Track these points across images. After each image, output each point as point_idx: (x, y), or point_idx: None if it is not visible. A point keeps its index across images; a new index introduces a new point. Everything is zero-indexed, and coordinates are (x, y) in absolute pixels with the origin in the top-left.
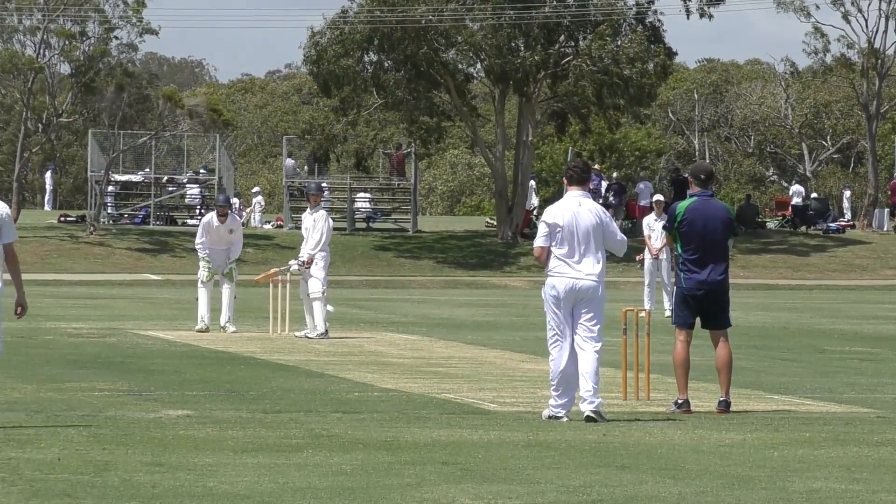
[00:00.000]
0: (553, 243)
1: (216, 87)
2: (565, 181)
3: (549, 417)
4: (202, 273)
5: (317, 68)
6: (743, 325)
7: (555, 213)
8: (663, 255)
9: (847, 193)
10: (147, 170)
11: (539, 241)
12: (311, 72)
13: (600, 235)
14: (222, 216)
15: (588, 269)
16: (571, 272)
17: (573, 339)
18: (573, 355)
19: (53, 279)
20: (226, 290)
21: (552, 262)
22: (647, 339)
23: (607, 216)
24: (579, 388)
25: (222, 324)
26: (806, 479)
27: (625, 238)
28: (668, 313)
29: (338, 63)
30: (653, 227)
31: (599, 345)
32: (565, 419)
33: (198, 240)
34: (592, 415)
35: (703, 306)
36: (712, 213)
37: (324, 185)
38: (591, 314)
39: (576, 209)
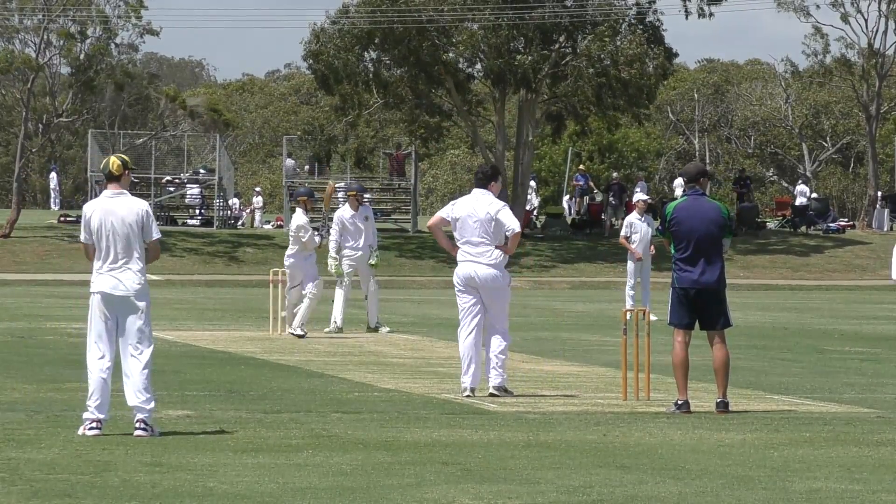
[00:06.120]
0: (455, 233)
1: (216, 87)
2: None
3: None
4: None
5: (317, 62)
6: (743, 325)
7: (455, 206)
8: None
9: None
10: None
11: (436, 214)
12: (310, 66)
13: (490, 228)
14: None
15: (486, 259)
16: (472, 258)
17: (482, 323)
18: (478, 337)
19: (53, 279)
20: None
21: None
22: (647, 339)
23: (498, 212)
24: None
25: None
26: (806, 479)
27: (516, 231)
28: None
29: (338, 56)
30: (635, 228)
31: (504, 339)
32: (470, 392)
33: (332, 250)
34: (495, 391)
35: (698, 306)
36: (702, 213)
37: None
38: (498, 303)
39: (474, 203)
